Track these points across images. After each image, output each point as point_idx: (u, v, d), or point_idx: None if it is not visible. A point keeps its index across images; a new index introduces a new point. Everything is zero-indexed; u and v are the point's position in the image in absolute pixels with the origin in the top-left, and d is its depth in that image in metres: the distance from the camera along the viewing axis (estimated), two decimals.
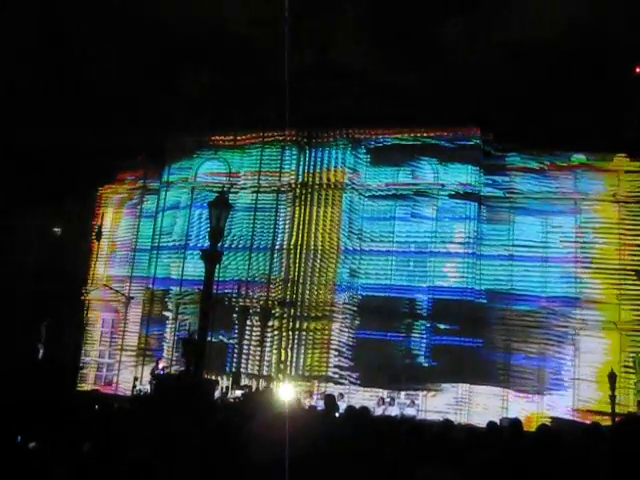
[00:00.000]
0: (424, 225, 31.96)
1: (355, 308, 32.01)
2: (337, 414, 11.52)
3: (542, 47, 34.64)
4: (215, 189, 25.11)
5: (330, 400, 11.31)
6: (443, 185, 32.00)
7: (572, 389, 29.18)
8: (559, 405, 28.86)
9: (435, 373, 30.04)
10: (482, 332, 30.02)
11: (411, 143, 32.60)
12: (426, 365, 30.52)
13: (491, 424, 9.98)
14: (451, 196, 31.78)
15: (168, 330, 33.95)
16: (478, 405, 29.42)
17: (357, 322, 31.90)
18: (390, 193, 32.61)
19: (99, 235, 34.22)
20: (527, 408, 28.58)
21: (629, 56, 33.08)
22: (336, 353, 31.85)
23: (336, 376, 31.42)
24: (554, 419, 26.15)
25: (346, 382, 31.11)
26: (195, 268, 31.56)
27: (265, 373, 31.90)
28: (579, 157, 31.15)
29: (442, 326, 30.58)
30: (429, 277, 31.42)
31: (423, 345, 30.86)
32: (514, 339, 30.08)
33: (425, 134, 32.43)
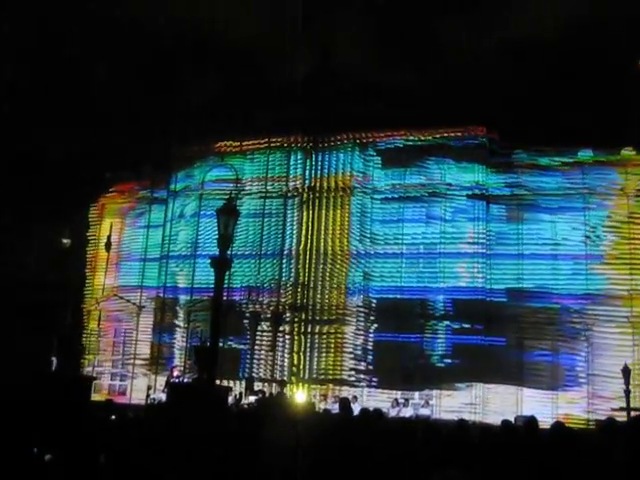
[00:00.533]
0: (435, 226, 31.96)
1: (368, 310, 32.04)
2: (352, 417, 11.51)
3: (543, 46, 34.66)
4: (222, 196, 25.11)
5: (344, 403, 11.31)
6: (451, 185, 32.01)
7: (587, 385, 29.04)
8: (575, 401, 28.73)
9: (452, 372, 29.99)
10: (499, 330, 29.93)
11: (418, 144, 32.61)
12: (442, 365, 30.47)
13: (505, 422, 9.94)
14: (460, 196, 31.78)
15: (180, 338, 34.00)
16: (495, 404, 29.34)
17: (370, 324, 31.93)
18: (399, 195, 32.64)
19: (108, 245, 34.27)
20: (544, 405, 28.40)
21: (630, 52, 33.02)
22: (350, 356, 31.89)
23: (351, 379, 31.46)
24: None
25: (361, 384, 31.13)
26: (205, 275, 31.60)
27: (278, 378, 31.88)
28: (586, 153, 31.05)
29: (457, 326, 30.59)
30: (442, 277, 31.40)
31: (439, 345, 30.83)
32: (529, 337, 29.98)
33: (431, 135, 32.42)
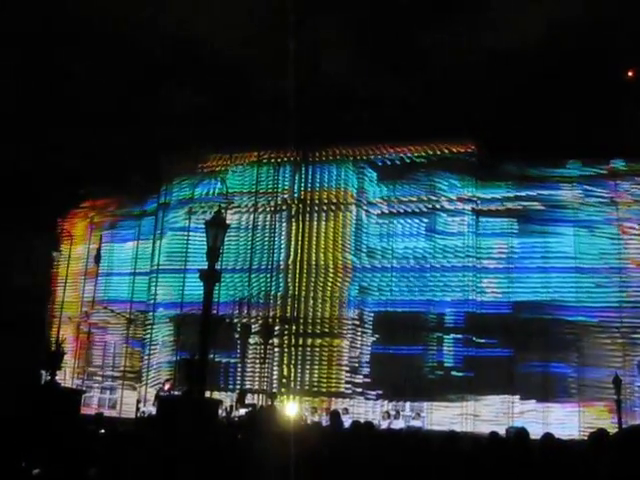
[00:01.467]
0: (430, 240, 32.06)
1: (364, 323, 32.06)
2: (341, 429, 11.49)
3: (528, 56, 34.78)
4: (212, 210, 25.14)
5: (334, 416, 11.30)
6: (443, 198, 32.15)
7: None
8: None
9: (453, 384, 30.00)
10: (506, 343, 29.90)
11: (412, 159, 32.75)
12: (439, 376, 30.45)
13: (493, 434, 9.95)
14: (452, 210, 31.97)
15: (170, 351, 33.88)
16: (489, 415, 29.32)
17: (366, 336, 31.94)
18: (396, 210, 32.73)
19: (98, 258, 34.23)
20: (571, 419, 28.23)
21: (619, 60, 33.22)
22: (344, 368, 31.88)
23: (343, 391, 31.42)
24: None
25: (353, 396, 31.11)
26: (195, 289, 31.52)
27: (269, 390, 31.82)
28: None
29: (456, 338, 30.70)
30: (438, 291, 31.47)
31: (436, 357, 30.84)
32: (532, 349, 29.89)
33: (424, 151, 32.56)
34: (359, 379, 31.52)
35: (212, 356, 31.22)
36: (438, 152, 32.42)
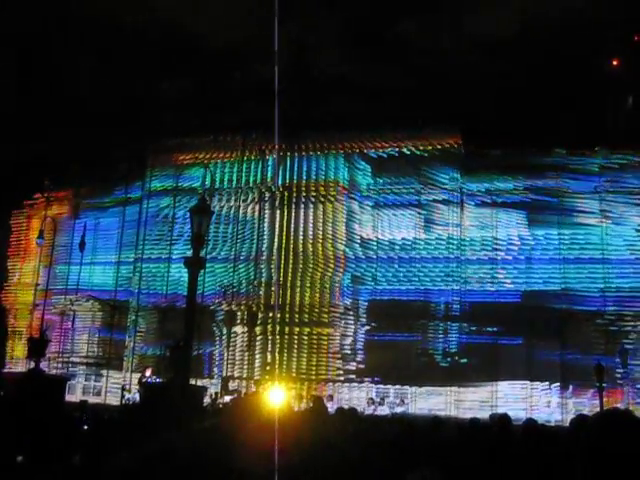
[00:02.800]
0: (416, 232, 32.20)
1: (349, 310, 32.18)
2: (326, 415, 11.51)
3: (512, 45, 34.74)
4: (196, 197, 25.12)
5: (318, 402, 11.31)
6: (427, 187, 32.26)
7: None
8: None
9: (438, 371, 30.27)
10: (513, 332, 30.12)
11: (402, 153, 32.86)
12: (429, 364, 30.64)
13: (474, 420, 10.01)
14: (438, 201, 32.11)
15: (154, 338, 33.86)
16: (473, 401, 29.54)
17: (353, 324, 32.06)
18: (391, 202, 32.82)
19: (82, 246, 34.08)
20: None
21: (602, 50, 33.28)
22: (332, 355, 31.96)
23: (330, 378, 31.52)
24: None
25: (341, 383, 31.24)
26: (180, 276, 31.64)
27: (255, 377, 31.88)
28: (602, 152, 31.04)
29: (439, 325, 30.91)
30: (429, 281, 31.70)
31: (427, 345, 31.02)
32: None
33: (414, 144, 32.67)
34: (347, 366, 31.63)
35: (198, 344, 31.47)
36: (426, 145, 32.53)
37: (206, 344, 32.81)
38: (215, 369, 32.78)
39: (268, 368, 32.18)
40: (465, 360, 30.28)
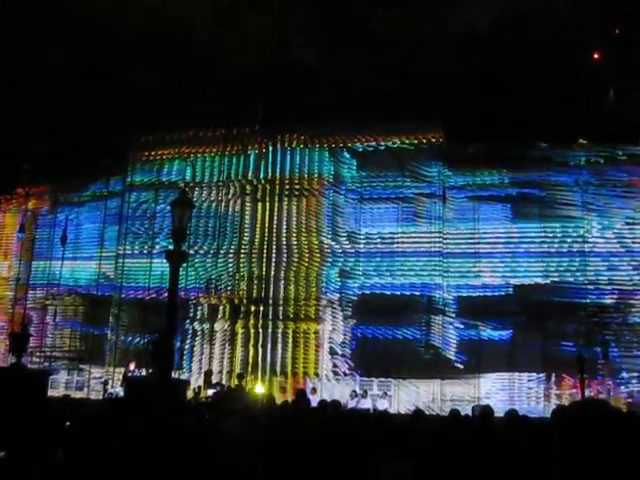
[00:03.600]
0: (403, 226, 32.29)
1: (333, 304, 32.22)
2: (307, 408, 11.55)
3: (487, 37, 34.76)
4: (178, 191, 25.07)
5: (300, 395, 11.37)
6: (412, 183, 32.36)
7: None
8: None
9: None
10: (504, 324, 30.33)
11: (384, 146, 32.96)
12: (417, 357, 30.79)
13: (454, 411, 10.08)
14: (421, 196, 32.21)
15: (137, 332, 33.79)
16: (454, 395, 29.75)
17: (340, 318, 32.08)
18: (377, 196, 32.86)
19: (64, 240, 33.93)
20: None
21: (585, 42, 33.41)
22: (317, 349, 31.99)
23: (314, 372, 31.58)
24: None
25: (325, 376, 31.32)
26: (163, 270, 31.64)
27: (238, 371, 31.89)
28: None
29: (426, 318, 31.02)
30: (414, 275, 31.74)
31: (414, 338, 31.11)
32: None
33: (398, 139, 32.75)
34: (332, 360, 31.66)
35: (180, 338, 31.48)
36: (409, 138, 32.63)
37: (188, 338, 32.87)
38: (197, 363, 32.77)
39: (251, 362, 32.20)
40: (449, 353, 30.47)
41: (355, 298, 32.01)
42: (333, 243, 32.84)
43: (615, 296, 29.82)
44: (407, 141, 32.60)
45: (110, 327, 34.99)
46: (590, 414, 2.43)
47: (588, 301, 29.82)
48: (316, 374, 31.41)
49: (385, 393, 29.17)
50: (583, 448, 2.35)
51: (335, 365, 31.51)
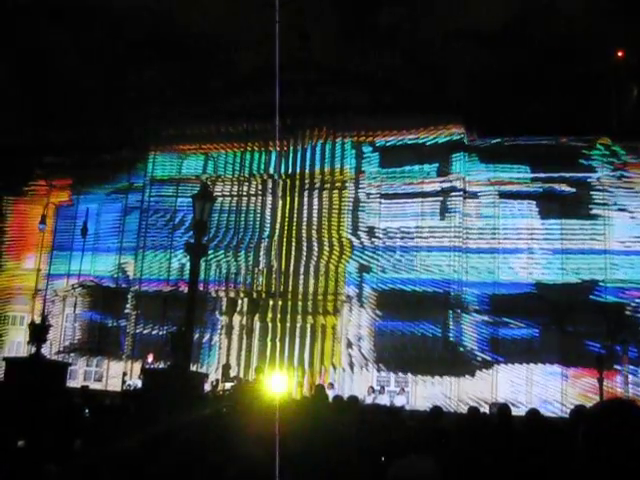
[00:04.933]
0: (425, 220, 32.21)
1: (351, 299, 32.18)
2: (326, 403, 11.54)
3: (513, 34, 34.60)
4: (198, 184, 25.07)
5: (319, 390, 11.35)
6: (428, 178, 32.24)
7: None
8: None
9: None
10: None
11: (408, 143, 32.81)
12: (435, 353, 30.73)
13: (472, 410, 10.02)
14: (439, 192, 32.09)
15: (157, 325, 33.89)
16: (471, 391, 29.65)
17: (358, 312, 32.04)
18: (401, 191, 32.75)
19: (84, 232, 34.08)
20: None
21: (607, 41, 33.21)
22: (335, 343, 31.97)
23: (332, 365, 31.56)
24: None
25: (343, 371, 31.29)
26: (182, 264, 31.90)
27: (256, 365, 31.91)
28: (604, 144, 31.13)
29: (446, 313, 30.96)
30: (436, 270, 31.67)
31: (435, 333, 31.06)
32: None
33: (419, 134, 32.61)
34: (350, 354, 31.64)
35: (199, 331, 31.52)
36: (431, 133, 32.47)
37: (207, 331, 32.92)
38: (216, 356, 32.81)
39: (269, 356, 32.20)
40: (468, 349, 30.38)
41: (375, 293, 31.93)
42: (353, 238, 32.77)
43: (636, 295, 29.62)
44: (429, 136, 32.41)
45: (128, 319, 35.14)
46: (616, 414, 2.39)
47: (609, 300, 29.63)
48: (334, 368, 31.37)
49: (403, 389, 29.11)
50: (607, 449, 2.31)
51: (353, 359, 31.47)
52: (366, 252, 32.57)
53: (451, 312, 30.87)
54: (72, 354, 34.96)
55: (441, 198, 32.04)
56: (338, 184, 33.42)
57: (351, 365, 31.36)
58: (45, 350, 24.23)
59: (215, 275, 33.61)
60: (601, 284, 29.98)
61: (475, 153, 32.25)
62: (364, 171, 33.20)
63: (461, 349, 30.39)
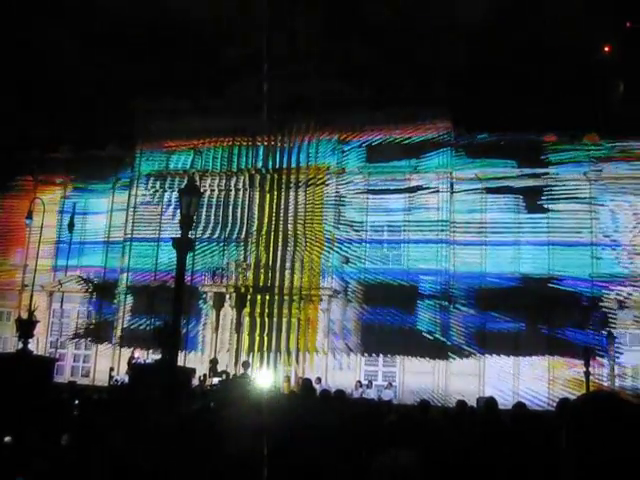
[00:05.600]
0: (408, 215, 32.34)
1: (338, 293, 32.25)
2: (313, 398, 11.56)
3: (499, 30, 34.66)
4: (185, 179, 25.04)
5: (306, 384, 11.37)
6: (417, 173, 32.33)
7: None
8: None
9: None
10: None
11: (392, 140, 32.87)
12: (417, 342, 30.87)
13: (460, 403, 10.07)
14: (429, 188, 32.21)
15: (143, 319, 33.86)
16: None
17: (342, 305, 32.12)
18: (377, 186, 32.91)
19: (71, 227, 33.98)
20: None
21: (594, 36, 33.29)
22: (321, 336, 32.03)
23: (319, 359, 31.62)
24: None
25: (330, 365, 31.36)
26: (169, 257, 31.75)
27: (243, 359, 31.91)
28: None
29: (426, 303, 31.03)
30: (416, 261, 31.77)
31: (414, 323, 31.19)
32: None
33: (405, 132, 32.66)
34: (336, 347, 31.71)
35: (187, 326, 31.49)
36: (417, 129, 32.54)
37: (194, 325, 32.90)
38: (203, 351, 32.80)
39: (257, 350, 32.22)
40: (453, 340, 30.54)
41: (361, 287, 32.03)
42: (338, 232, 32.82)
43: (620, 288, 29.85)
44: (416, 131, 32.47)
45: (116, 313, 35.08)
46: (600, 408, 2.42)
47: (595, 292, 29.84)
48: (321, 362, 31.40)
49: (390, 384, 29.20)
50: (592, 443, 2.33)
51: (341, 353, 31.53)
52: (353, 246, 32.64)
53: (436, 303, 31.02)
54: (60, 349, 34.86)
55: (428, 193, 32.13)
56: (325, 179, 33.47)
57: (339, 359, 31.42)
58: (32, 346, 24.17)
59: (203, 268, 33.58)
60: (587, 277, 30.20)
61: (462, 148, 32.41)
62: (351, 166, 33.26)
63: (448, 342, 30.52)
